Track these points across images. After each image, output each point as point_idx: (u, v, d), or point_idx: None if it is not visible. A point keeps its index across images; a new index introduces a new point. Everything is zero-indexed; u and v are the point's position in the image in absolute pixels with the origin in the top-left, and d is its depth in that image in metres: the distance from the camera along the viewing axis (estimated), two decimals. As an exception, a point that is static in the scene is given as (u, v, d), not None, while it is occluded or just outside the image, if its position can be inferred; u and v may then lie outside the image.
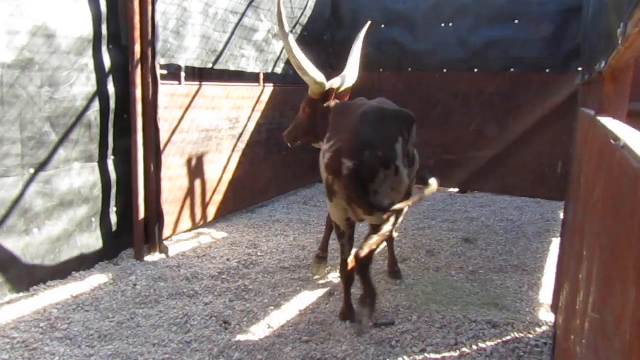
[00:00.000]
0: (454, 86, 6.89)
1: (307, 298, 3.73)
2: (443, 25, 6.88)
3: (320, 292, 3.85)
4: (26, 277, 3.65)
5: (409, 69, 7.11)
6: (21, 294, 3.58)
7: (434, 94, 6.99)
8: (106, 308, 3.47)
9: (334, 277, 4.13)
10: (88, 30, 3.88)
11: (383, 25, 7.12)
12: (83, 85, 3.89)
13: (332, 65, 7.52)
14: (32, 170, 3.60)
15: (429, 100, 7.03)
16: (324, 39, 7.35)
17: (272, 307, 3.56)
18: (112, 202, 4.29)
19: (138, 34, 4.16)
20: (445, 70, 6.94)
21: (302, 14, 6.65)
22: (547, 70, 6.39)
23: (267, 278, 4.07)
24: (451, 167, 7.02)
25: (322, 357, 2.91)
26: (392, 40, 7.13)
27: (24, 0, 3.39)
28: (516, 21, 6.44)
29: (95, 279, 3.91)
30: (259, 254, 4.63)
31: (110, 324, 3.25)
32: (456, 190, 7.28)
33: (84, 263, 4.08)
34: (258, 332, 3.21)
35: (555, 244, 4.96)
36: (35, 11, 3.47)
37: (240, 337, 3.12)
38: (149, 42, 4.22)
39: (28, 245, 3.63)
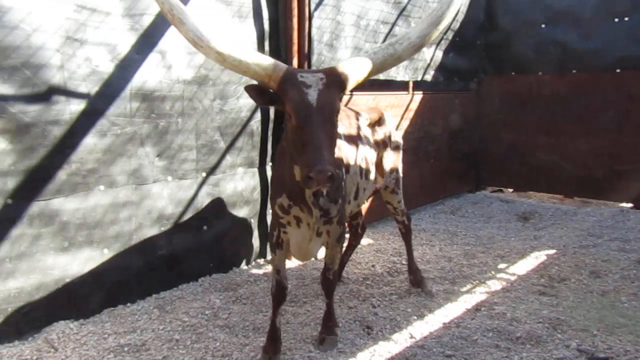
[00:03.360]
0: (630, 88, 6.12)
1: (451, 311, 3.63)
2: (616, 20, 6.16)
3: (466, 305, 3.71)
4: (197, 268, 4.13)
5: (573, 71, 6.50)
6: (190, 284, 4.06)
7: (604, 98, 6.29)
8: (260, 303, 3.77)
9: (481, 291, 3.95)
10: (253, 48, 4.28)
11: (543, 25, 6.62)
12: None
13: (485, 69, 7.21)
14: (204, 174, 4.07)
15: (597, 105, 6.35)
16: (477, 44, 7.07)
17: (415, 317, 3.53)
18: (269, 205, 4.65)
19: (296, 48, 4.46)
20: (618, 70, 6.20)
21: (453, 19, 6.49)
22: None
23: (411, 287, 4.03)
24: (624, 179, 6.25)
25: (467, 374, 2.81)
26: (552, 39, 6.58)
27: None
28: None
29: (252, 275, 4.27)
30: (404, 262, 4.61)
31: (264, 317, 3.52)
32: (630, 205, 6.43)
33: (243, 259, 4.49)
34: (400, 340, 3.21)
35: None
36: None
37: (382, 344, 3.15)
38: (305, 56, 4.51)
39: (199, 240, 4.11)
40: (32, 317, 3.19)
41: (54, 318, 3.29)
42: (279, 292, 3.05)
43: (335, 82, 2.38)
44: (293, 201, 2.75)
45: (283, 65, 2.43)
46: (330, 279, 3.16)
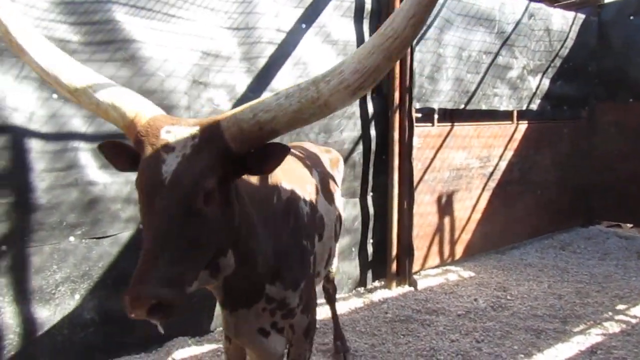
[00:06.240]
0: None
1: (563, 352, 3.44)
2: None
3: (580, 347, 3.49)
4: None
5: None
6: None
7: None
8: (361, 331, 3.84)
9: (597, 333, 3.70)
10: (356, 83, 4.47)
11: (665, 48, 6.16)
12: (350, 130, 4.47)
13: (598, 97, 6.81)
14: (308, 204, 4.27)
15: None
16: (589, 70, 6.73)
17: (522, 355, 3.39)
18: (369, 235, 4.74)
19: (397, 82, 4.58)
20: None
21: (562, 46, 6.26)
22: None
23: (517, 324, 3.88)
24: None
25: (581, 420, 2.65)
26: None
27: (308, 63, 4.12)
28: None
29: (353, 303, 4.36)
30: (509, 297, 4.45)
31: (365, 345, 3.59)
32: None
33: (344, 287, 4.60)
34: (506, 379, 3.11)
35: None
36: (316, 69, 4.18)
37: (488, 381, 3.07)
38: (407, 89, 4.60)
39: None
40: (156, 332, 3.51)
41: (175, 334, 3.62)
42: None
43: (213, 142, 1.51)
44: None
45: (150, 113, 1.61)
46: None
